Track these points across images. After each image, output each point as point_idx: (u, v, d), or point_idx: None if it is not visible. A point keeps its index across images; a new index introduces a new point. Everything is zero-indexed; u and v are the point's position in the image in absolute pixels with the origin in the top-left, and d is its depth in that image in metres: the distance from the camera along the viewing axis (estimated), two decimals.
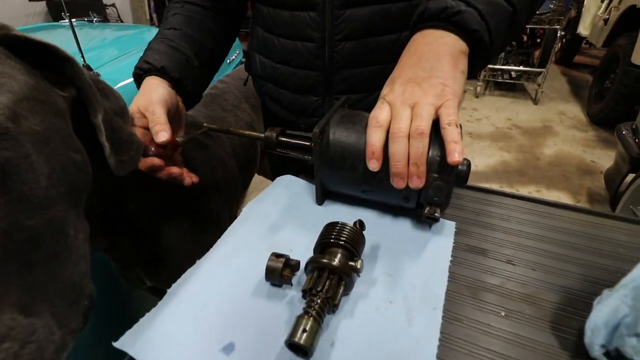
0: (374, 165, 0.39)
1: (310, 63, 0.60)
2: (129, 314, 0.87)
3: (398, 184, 0.39)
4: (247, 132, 0.54)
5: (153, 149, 0.49)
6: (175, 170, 0.51)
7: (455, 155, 0.35)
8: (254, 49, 0.70)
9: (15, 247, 0.24)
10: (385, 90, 0.42)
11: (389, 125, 0.39)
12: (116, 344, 0.32)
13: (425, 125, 0.36)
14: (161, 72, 0.53)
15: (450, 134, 0.36)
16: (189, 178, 0.53)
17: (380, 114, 0.40)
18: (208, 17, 0.62)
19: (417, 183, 0.38)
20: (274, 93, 0.69)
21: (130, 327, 0.33)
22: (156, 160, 0.49)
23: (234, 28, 0.68)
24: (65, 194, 0.30)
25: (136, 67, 0.54)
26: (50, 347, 0.25)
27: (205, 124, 0.56)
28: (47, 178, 0.28)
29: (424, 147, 0.37)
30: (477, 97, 3.51)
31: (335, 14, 0.55)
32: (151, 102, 0.49)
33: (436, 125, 0.38)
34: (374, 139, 0.39)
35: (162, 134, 0.47)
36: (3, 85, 0.27)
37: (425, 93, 0.38)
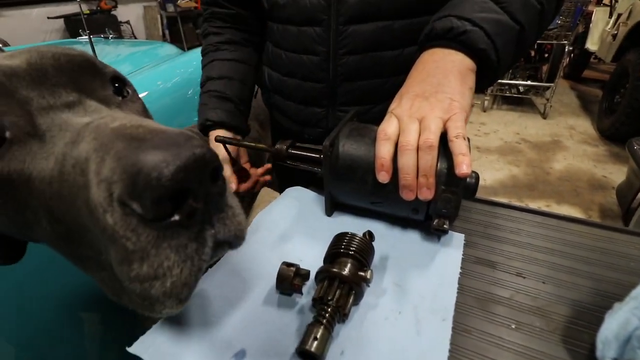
0: (383, 177, 0.40)
1: (315, 75, 0.63)
2: (140, 320, 0.88)
3: (407, 195, 0.40)
4: (258, 145, 0.55)
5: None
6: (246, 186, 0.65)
7: (463, 167, 0.36)
8: (264, 63, 0.73)
9: None
10: (393, 105, 0.43)
11: (398, 138, 0.40)
12: (130, 349, 0.33)
13: (433, 137, 0.37)
14: (220, 125, 0.63)
15: (458, 146, 0.37)
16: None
17: (388, 127, 0.41)
18: (242, 55, 0.70)
19: (426, 194, 0.39)
20: (280, 104, 0.72)
21: (142, 332, 0.34)
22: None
23: (260, 52, 0.74)
24: None
25: (199, 125, 0.65)
26: None
27: (217, 136, 0.58)
28: None
29: (433, 160, 0.38)
30: (484, 111, 3.51)
31: (339, 29, 0.57)
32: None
33: (444, 138, 0.39)
34: (383, 151, 0.40)
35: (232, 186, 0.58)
36: None
37: (433, 107, 0.39)
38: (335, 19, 0.57)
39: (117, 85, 0.34)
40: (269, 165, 0.70)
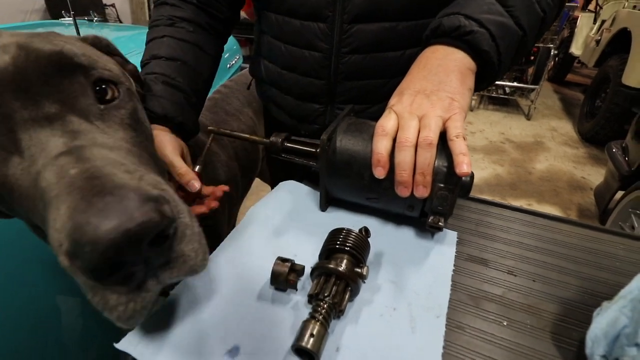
0: (379, 172, 0.40)
1: (316, 72, 0.61)
2: None
3: (402, 192, 0.40)
4: (252, 137, 0.54)
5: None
6: (199, 209, 0.51)
7: (463, 166, 0.36)
8: (260, 54, 0.70)
9: (159, 167, 0.36)
10: (393, 100, 0.43)
11: (396, 134, 0.40)
12: (118, 345, 0.32)
13: (433, 136, 0.37)
14: (164, 121, 0.52)
15: (458, 146, 0.37)
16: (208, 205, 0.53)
17: (387, 123, 0.40)
18: (201, 41, 0.59)
19: (422, 192, 0.39)
20: (277, 98, 0.70)
21: (120, 329, 0.33)
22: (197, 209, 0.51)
23: (222, 44, 0.67)
24: (154, 148, 0.40)
25: None
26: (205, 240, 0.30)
27: (209, 127, 0.56)
28: (149, 128, 0.39)
29: (432, 157, 0.37)
30: (471, 110, 3.57)
31: (344, 27, 0.56)
32: (165, 155, 0.49)
33: (442, 136, 0.39)
34: (380, 147, 0.39)
35: (195, 184, 0.49)
36: (110, 61, 0.38)
37: (434, 105, 0.39)
38: (341, 16, 0.55)
39: (99, 87, 0.33)
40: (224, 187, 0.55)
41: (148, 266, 0.25)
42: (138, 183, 0.25)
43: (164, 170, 0.37)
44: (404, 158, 0.38)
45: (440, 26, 0.44)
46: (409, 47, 0.58)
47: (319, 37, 0.58)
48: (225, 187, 0.55)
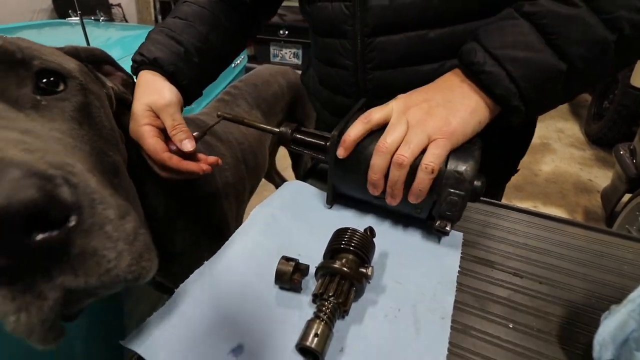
0: (340, 152, 0.41)
1: (344, 90, 0.58)
2: (124, 313, 0.86)
3: (371, 190, 0.41)
4: (262, 125, 0.51)
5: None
6: (192, 166, 0.49)
7: (412, 197, 0.39)
8: (310, 67, 0.70)
9: (105, 165, 0.33)
10: (403, 94, 0.42)
11: (381, 128, 0.40)
12: (124, 343, 0.32)
13: (408, 156, 0.37)
14: (154, 65, 0.50)
15: (420, 179, 0.37)
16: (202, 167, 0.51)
17: (377, 113, 0.41)
18: (221, 12, 0.59)
19: (390, 201, 0.40)
20: (319, 111, 0.70)
21: (124, 326, 0.33)
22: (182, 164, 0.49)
23: (249, 26, 0.65)
24: (119, 150, 0.38)
25: (132, 59, 0.53)
26: (149, 247, 0.26)
27: (219, 113, 0.55)
28: (109, 129, 0.37)
29: (401, 177, 0.38)
30: None
31: (365, 41, 0.51)
32: (169, 104, 0.48)
33: None
34: (353, 130, 0.40)
35: (189, 143, 0.47)
36: (69, 60, 0.38)
37: (426, 120, 0.38)
38: (360, 29, 0.50)
39: (46, 80, 0.33)
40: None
41: (46, 266, 0.21)
42: (30, 159, 0.21)
43: (116, 167, 0.34)
44: (378, 162, 0.39)
45: (462, 55, 0.41)
46: (447, 57, 0.50)
47: (342, 54, 0.55)
48: (216, 159, 0.54)
